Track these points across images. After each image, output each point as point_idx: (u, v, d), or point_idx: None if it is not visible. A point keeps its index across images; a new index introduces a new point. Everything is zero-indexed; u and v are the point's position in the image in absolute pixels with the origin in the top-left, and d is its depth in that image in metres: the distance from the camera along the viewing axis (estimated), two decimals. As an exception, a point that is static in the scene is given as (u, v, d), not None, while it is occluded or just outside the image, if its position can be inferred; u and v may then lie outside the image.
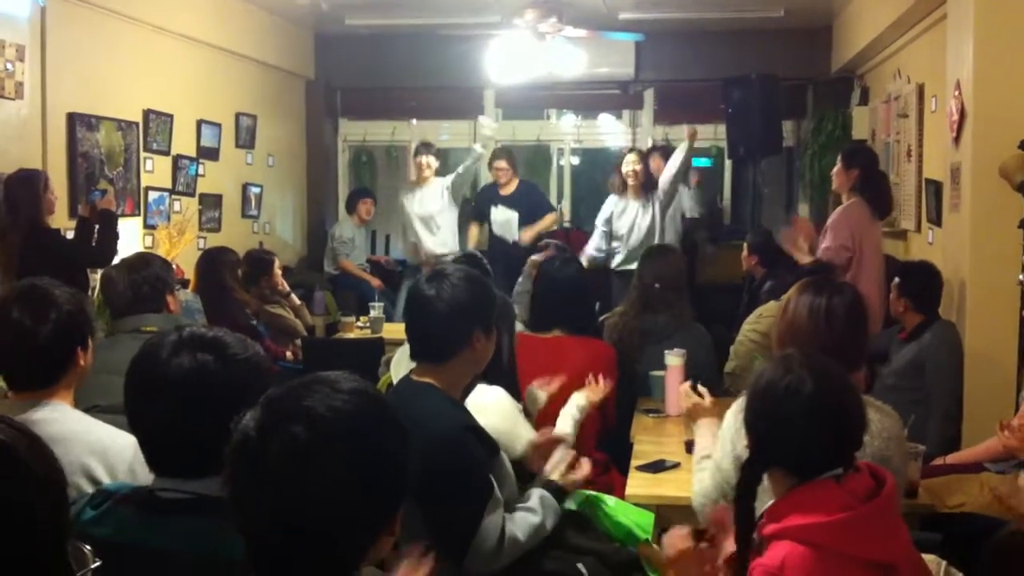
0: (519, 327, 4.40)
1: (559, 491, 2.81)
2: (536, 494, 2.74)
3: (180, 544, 1.74)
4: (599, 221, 7.24)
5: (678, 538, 2.32)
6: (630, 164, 7.00)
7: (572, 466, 2.93)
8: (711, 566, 2.23)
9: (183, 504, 1.79)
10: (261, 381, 1.89)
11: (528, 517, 2.64)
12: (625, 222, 7.05)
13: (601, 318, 4.86)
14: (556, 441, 3.03)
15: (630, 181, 6.99)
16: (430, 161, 7.61)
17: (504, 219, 7.81)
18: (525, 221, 7.83)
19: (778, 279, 5.37)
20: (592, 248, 7.23)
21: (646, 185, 7.01)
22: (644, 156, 7.28)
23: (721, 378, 4.69)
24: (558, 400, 3.54)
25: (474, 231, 8.02)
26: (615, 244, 7.13)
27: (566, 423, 3.40)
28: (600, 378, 3.67)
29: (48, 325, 2.45)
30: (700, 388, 3.42)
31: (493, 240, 7.87)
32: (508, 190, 7.95)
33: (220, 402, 1.79)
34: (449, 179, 7.65)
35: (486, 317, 2.69)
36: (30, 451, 1.13)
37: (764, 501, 2.13)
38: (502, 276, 5.94)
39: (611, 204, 7.18)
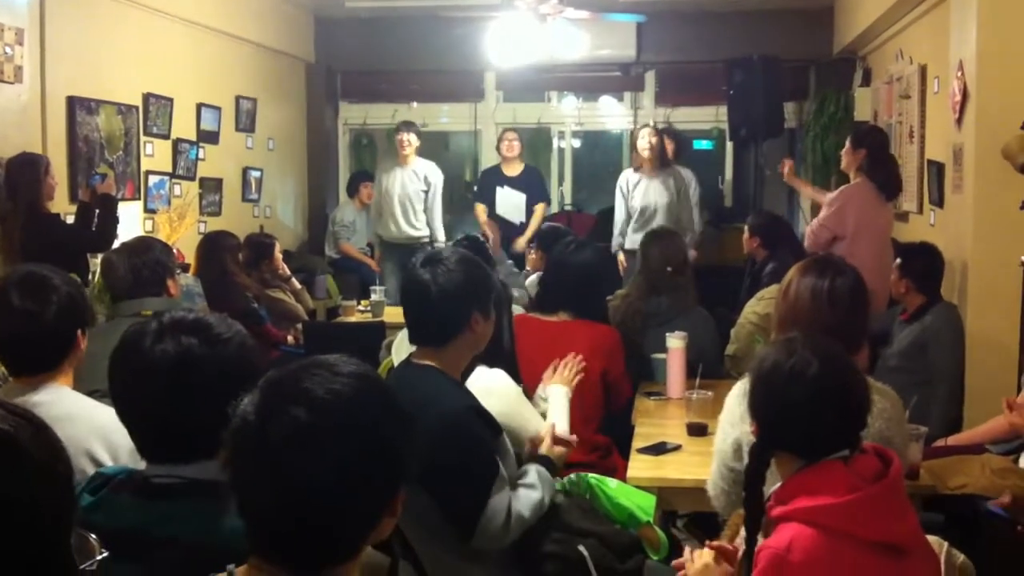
0: (519, 310, 4.40)
1: (550, 464, 2.81)
2: (533, 469, 2.74)
3: (175, 529, 1.74)
4: (617, 201, 7.20)
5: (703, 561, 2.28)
6: (645, 138, 6.99)
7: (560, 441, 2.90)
8: None
9: (178, 489, 1.79)
10: (248, 360, 1.90)
11: (530, 494, 2.65)
12: (640, 198, 7.03)
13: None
14: (563, 442, 2.98)
15: (645, 155, 6.97)
16: (411, 139, 7.68)
17: (512, 201, 7.83)
18: (529, 204, 7.90)
19: (780, 262, 5.37)
20: (619, 233, 7.18)
21: (662, 160, 6.99)
22: (659, 131, 7.24)
23: (722, 361, 4.69)
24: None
25: (481, 212, 8.00)
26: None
27: (561, 422, 3.30)
28: (572, 357, 3.40)
29: (51, 308, 2.48)
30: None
31: (495, 221, 7.89)
32: (514, 171, 7.98)
33: (209, 384, 1.80)
34: (433, 170, 7.75)
35: (484, 299, 2.69)
36: (34, 440, 1.12)
37: (771, 483, 2.13)
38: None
39: (624, 179, 7.15)
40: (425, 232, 7.76)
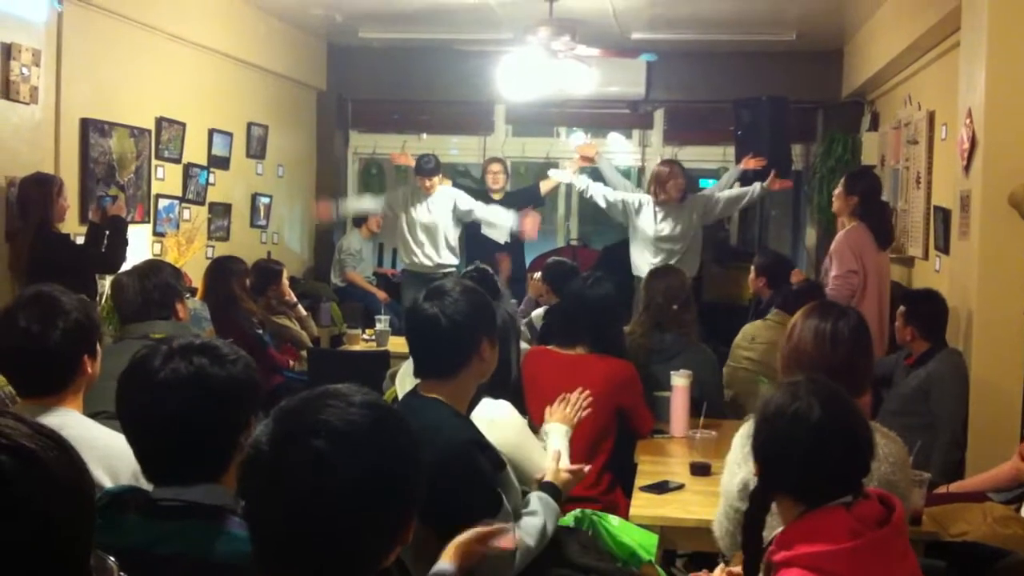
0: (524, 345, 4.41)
1: (555, 491, 2.81)
2: (535, 496, 2.75)
3: (180, 549, 1.76)
4: (625, 193, 7.24)
5: None
6: (676, 178, 6.98)
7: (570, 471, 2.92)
8: None
9: (183, 511, 1.81)
10: (254, 380, 1.95)
11: (533, 521, 2.65)
12: (649, 219, 7.01)
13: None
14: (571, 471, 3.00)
15: (674, 193, 6.96)
16: (434, 182, 7.63)
17: (496, 223, 7.88)
18: (515, 219, 7.96)
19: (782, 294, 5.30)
20: (599, 185, 7.28)
21: (684, 195, 7.00)
22: (675, 165, 7.22)
23: (724, 399, 4.69)
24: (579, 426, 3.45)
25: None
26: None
27: (562, 459, 3.31)
28: (578, 393, 3.42)
29: (56, 332, 2.46)
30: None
31: (480, 241, 7.96)
32: (499, 196, 8.08)
33: (221, 402, 1.86)
34: (459, 197, 7.70)
35: (489, 325, 2.71)
36: (59, 460, 1.12)
37: (773, 526, 2.12)
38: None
39: (644, 198, 7.15)
40: (451, 260, 7.73)
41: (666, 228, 7.00)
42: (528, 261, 8.29)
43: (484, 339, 2.67)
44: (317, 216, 8.34)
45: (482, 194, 8.13)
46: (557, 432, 3.28)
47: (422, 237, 7.69)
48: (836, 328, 2.70)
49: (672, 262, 6.73)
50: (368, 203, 8.15)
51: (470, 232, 8.05)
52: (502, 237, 7.95)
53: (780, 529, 2.09)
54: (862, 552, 1.95)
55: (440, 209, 7.68)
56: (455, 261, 7.76)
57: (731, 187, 7.45)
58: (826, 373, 2.41)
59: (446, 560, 2.21)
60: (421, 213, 7.70)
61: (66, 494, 1.11)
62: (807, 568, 1.96)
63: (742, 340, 4.98)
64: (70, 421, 2.41)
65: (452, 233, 7.73)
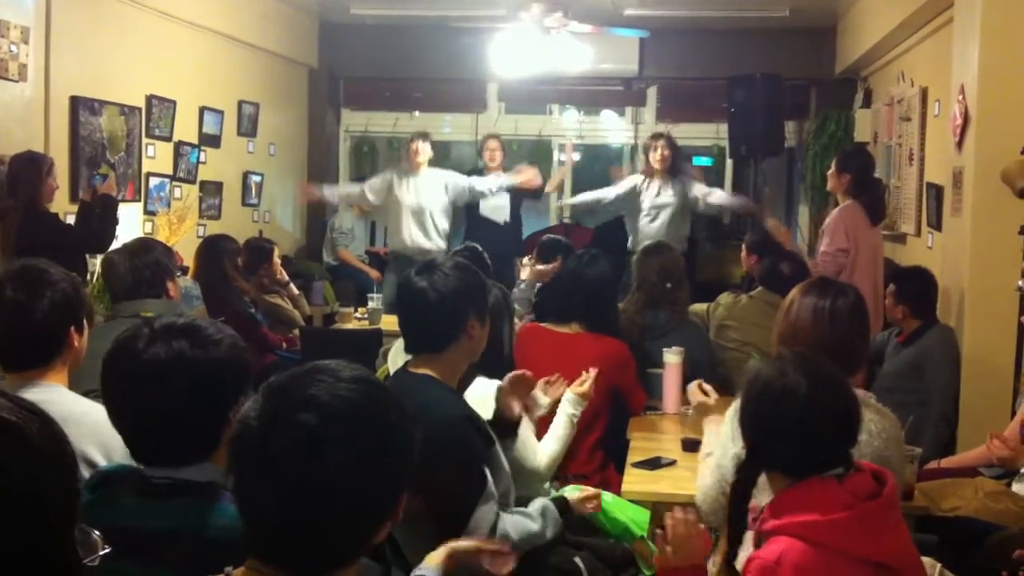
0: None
1: (565, 506, 2.81)
2: (539, 503, 2.74)
3: (176, 527, 1.76)
4: (608, 189, 7.27)
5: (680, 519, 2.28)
6: (659, 149, 6.98)
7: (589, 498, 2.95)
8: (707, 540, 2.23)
9: (178, 489, 1.80)
10: (241, 360, 1.92)
11: (525, 522, 2.64)
12: (648, 200, 7.01)
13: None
14: (527, 382, 3.02)
15: (657, 165, 6.96)
16: (423, 148, 7.32)
17: (495, 203, 7.84)
18: (514, 201, 7.94)
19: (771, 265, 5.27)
20: (579, 198, 7.44)
21: (672, 170, 6.99)
22: (671, 141, 7.20)
23: (717, 376, 4.69)
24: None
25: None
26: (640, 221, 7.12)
27: (561, 423, 3.36)
28: (588, 370, 3.53)
29: (43, 303, 2.44)
30: (706, 387, 3.42)
31: (479, 222, 7.86)
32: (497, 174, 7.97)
33: (202, 386, 1.84)
34: (452, 177, 7.51)
35: (479, 304, 2.70)
36: (41, 433, 1.11)
37: (763, 495, 2.13)
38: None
39: (634, 180, 7.16)
40: (439, 244, 7.42)
41: (655, 196, 7.01)
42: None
43: (472, 316, 2.65)
44: (300, 200, 8.18)
45: (477, 173, 8.06)
46: (566, 400, 3.36)
47: (409, 220, 7.38)
48: (835, 306, 2.69)
49: (665, 220, 6.76)
50: (351, 189, 7.94)
51: (469, 212, 7.96)
52: (501, 218, 7.89)
53: (769, 498, 2.09)
54: (853, 523, 1.96)
55: (429, 192, 7.41)
56: (442, 245, 7.40)
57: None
58: (823, 351, 2.41)
59: (432, 564, 2.11)
60: (409, 196, 7.44)
61: (49, 467, 1.10)
62: (796, 537, 1.97)
63: (729, 319, 4.98)
64: (57, 397, 2.39)
65: (441, 217, 7.44)
